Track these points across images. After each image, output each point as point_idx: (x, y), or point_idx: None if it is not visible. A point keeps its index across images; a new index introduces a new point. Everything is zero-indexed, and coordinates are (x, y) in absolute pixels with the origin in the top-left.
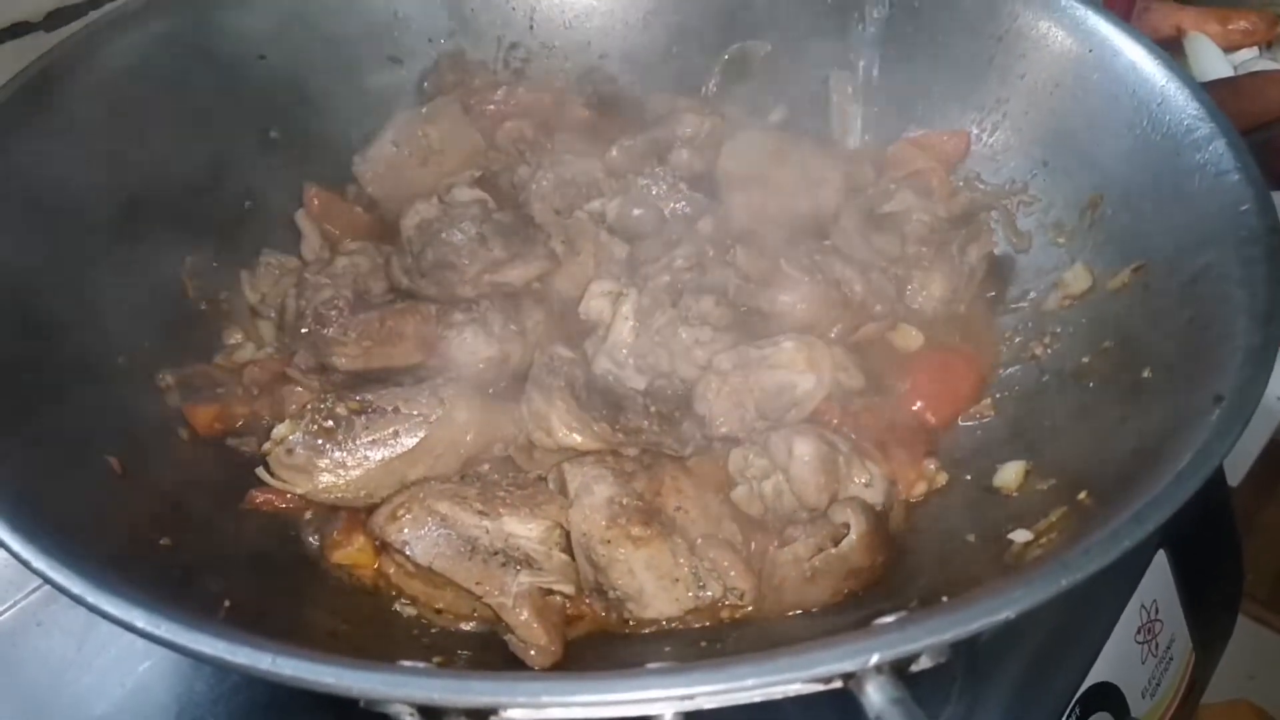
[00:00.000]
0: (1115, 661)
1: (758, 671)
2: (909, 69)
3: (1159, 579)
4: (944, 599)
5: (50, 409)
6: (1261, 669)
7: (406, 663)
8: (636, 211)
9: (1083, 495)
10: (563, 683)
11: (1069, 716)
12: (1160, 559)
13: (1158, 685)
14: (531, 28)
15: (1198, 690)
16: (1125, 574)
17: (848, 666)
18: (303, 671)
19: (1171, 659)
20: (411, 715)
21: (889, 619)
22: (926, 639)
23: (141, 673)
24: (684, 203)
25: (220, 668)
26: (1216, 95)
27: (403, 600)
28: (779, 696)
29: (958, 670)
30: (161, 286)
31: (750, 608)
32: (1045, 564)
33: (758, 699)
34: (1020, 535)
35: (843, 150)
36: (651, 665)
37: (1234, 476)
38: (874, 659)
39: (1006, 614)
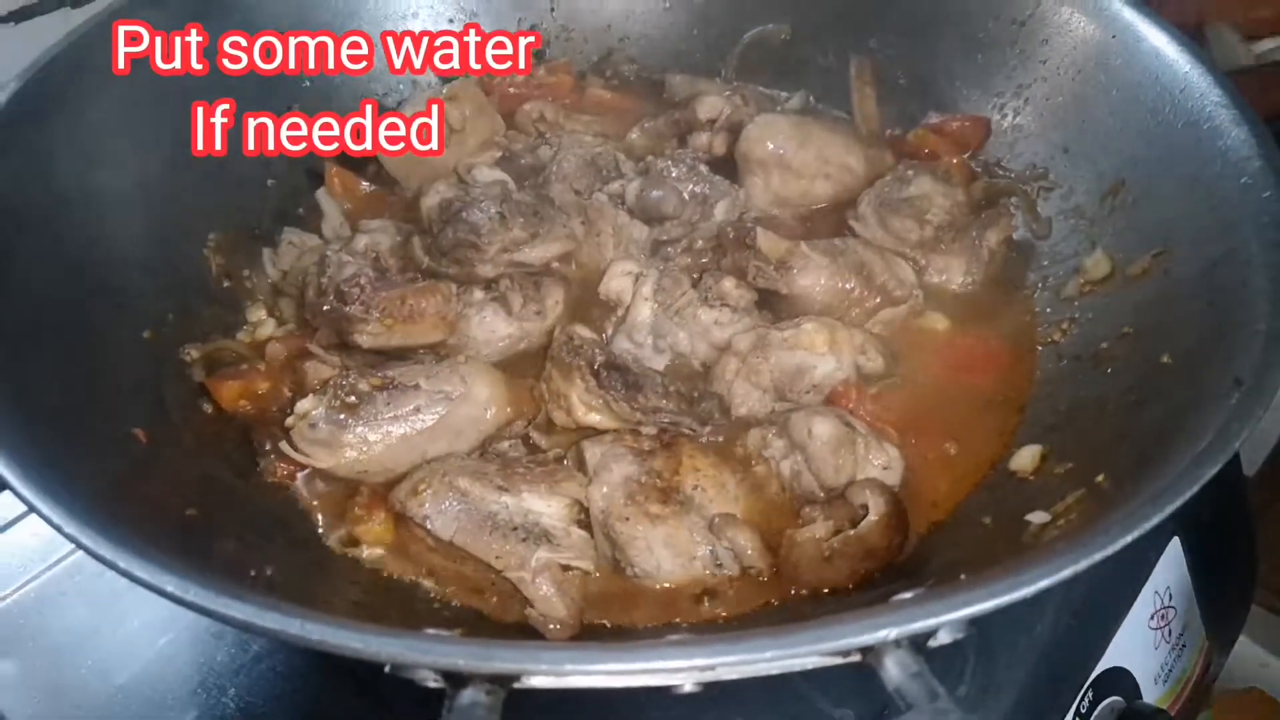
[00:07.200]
0: (1128, 647)
1: (779, 644)
2: (929, 54)
3: (1173, 566)
4: (962, 576)
5: (78, 381)
6: (1275, 658)
7: (431, 630)
8: (656, 193)
9: (1100, 478)
10: (586, 651)
11: (1081, 700)
12: (1174, 547)
13: (1170, 672)
14: (552, 10)
15: (1211, 677)
16: (1139, 561)
17: (867, 640)
18: (330, 636)
19: (1184, 646)
20: (435, 681)
21: (907, 594)
22: (946, 614)
23: (162, 645)
24: (704, 185)
25: (248, 632)
26: (1238, 85)
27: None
28: (798, 669)
29: (970, 653)
30: (186, 264)
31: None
32: (1065, 543)
33: (776, 671)
34: (1038, 517)
35: (861, 135)
36: (672, 636)
37: (1249, 466)
38: (893, 633)
39: (1025, 591)
